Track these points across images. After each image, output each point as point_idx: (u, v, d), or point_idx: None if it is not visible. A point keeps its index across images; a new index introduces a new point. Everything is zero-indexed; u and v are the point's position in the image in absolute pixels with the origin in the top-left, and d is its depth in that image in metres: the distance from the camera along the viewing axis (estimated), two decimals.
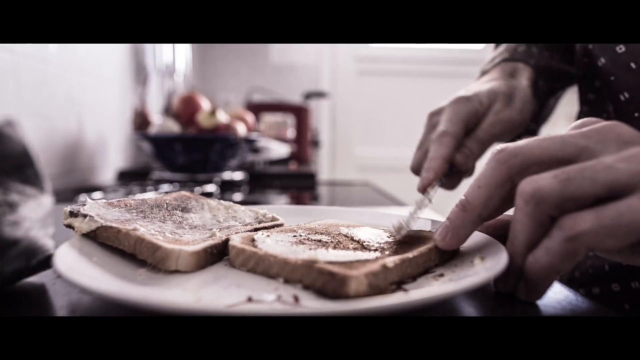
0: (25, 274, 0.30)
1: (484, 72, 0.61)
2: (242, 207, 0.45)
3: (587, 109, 0.56)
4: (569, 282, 0.56)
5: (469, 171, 0.54)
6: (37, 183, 0.29)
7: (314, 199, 1.06)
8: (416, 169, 0.52)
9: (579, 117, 0.59)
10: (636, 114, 0.46)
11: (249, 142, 1.16)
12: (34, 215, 0.29)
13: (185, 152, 1.08)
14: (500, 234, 0.35)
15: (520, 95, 0.53)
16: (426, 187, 0.46)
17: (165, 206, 0.42)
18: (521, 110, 0.52)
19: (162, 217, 0.39)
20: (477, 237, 0.36)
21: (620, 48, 0.47)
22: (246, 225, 0.41)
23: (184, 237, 0.35)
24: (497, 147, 0.31)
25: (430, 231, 0.40)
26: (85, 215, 0.35)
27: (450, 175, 0.49)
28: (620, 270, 0.50)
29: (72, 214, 0.36)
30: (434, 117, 0.52)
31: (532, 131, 0.66)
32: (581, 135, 0.29)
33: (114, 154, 1.34)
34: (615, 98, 0.49)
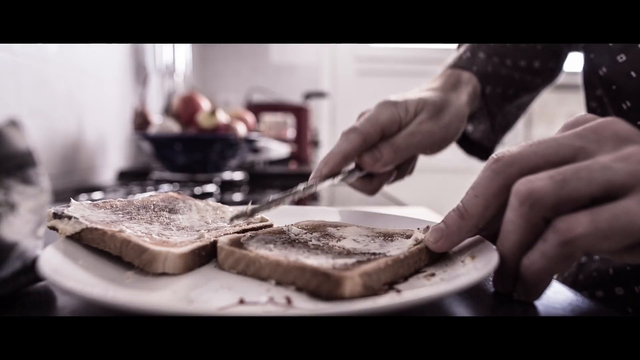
0: (25, 279, 0.30)
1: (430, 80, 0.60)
2: (231, 208, 0.45)
3: None
4: (572, 285, 0.56)
5: (387, 176, 0.52)
6: (38, 183, 0.29)
7: (314, 199, 1.06)
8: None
9: None
10: (639, 122, 0.46)
11: (249, 142, 1.16)
12: (35, 217, 0.29)
13: (185, 152, 1.08)
14: (490, 233, 0.35)
15: (452, 110, 0.51)
16: (316, 179, 0.44)
17: (152, 207, 0.41)
18: (447, 125, 0.51)
19: (149, 219, 0.38)
20: None
21: (621, 57, 0.47)
22: (234, 226, 0.41)
23: (171, 239, 0.34)
24: (493, 155, 0.31)
25: (411, 230, 0.40)
26: (69, 217, 0.34)
27: (352, 175, 0.48)
28: (625, 274, 0.50)
29: (56, 216, 0.34)
30: (360, 118, 0.51)
31: (493, 141, 0.65)
32: (576, 135, 0.29)
33: (114, 154, 1.34)
34: (617, 107, 0.49)
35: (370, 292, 0.28)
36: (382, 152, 0.47)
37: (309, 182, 0.44)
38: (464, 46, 0.62)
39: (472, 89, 0.56)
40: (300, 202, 1.03)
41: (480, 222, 0.31)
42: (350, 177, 0.48)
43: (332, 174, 0.45)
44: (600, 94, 0.53)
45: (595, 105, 0.55)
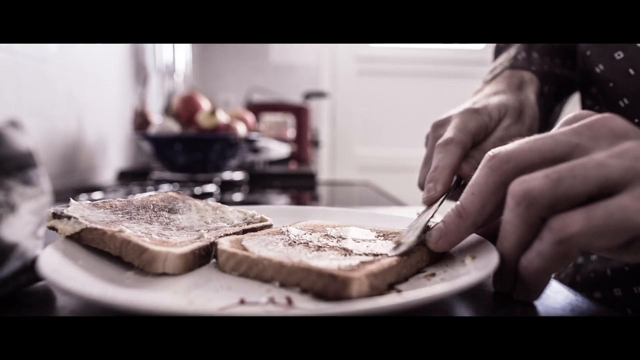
0: (25, 279, 0.30)
1: (485, 83, 0.57)
2: (230, 208, 0.45)
3: None
4: (570, 287, 0.56)
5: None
6: (38, 184, 0.29)
7: (314, 199, 1.06)
8: (423, 185, 0.46)
9: None
10: (636, 120, 0.46)
11: (249, 142, 1.16)
12: (35, 218, 0.29)
13: (185, 152, 1.08)
14: (489, 233, 0.35)
15: (529, 112, 0.49)
16: (434, 200, 0.40)
17: (152, 207, 0.41)
18: (530, 127, 0.49)
19: (149, 219, 0.38)
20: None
21: (619, 54, 0.47)
22: (234, 226, 0.41)
23: (171, 239, 0.34)
24: (489, 152, 0.30)
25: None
26: (69, 217, 0.34)
27: (456, 188, 0.43)
28: (623, 275, 0.50)
29: (56, 216, 0.34)
30: (438, 129, 0.47)
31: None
32: (572, 132, 0.29)
33: (114, 154, 1.34)
34: (614, 104, 0.49)
35: (376, 292, 0.28)
36: (477, 159, 0.43)
37: (427, 208, 0.40)
38: (514, 47, 0.59)
39: (536, 88, 0.54)
40: (300, 202, 1.03)
41: (478, 220, 0.31)
42: (456, 190, 0.43)
43: (446, 192, 0.41)
44: (595, 91, 0.52)
45: (590, 104, 0.55)
